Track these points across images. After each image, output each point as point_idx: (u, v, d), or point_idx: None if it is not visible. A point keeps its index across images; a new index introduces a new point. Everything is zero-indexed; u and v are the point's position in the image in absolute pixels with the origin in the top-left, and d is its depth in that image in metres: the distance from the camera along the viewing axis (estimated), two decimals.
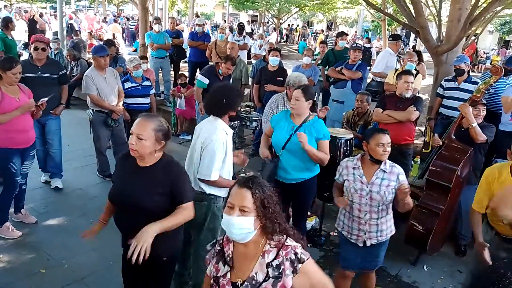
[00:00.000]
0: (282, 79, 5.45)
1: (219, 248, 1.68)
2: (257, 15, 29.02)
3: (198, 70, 7.58)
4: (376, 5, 9.92)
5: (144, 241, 1.91)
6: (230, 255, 1.62)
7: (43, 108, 3.64)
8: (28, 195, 4.23)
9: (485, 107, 3.79)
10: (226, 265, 1.61)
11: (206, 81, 4.90)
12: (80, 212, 4.14)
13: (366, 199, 2.62)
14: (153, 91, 5.32)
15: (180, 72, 7.56)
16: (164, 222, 2.03)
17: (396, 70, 5.52)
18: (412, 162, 4.28)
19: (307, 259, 1.54)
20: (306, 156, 3.08)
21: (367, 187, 2.61)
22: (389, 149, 2.61)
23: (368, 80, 6.50)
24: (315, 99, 3.33)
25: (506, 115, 4.45)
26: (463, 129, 3.57)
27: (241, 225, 1.51)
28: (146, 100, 5.18)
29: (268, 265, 1.51)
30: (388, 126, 3.80)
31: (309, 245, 3.83)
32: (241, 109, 5.53)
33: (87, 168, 5.13)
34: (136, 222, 2.09)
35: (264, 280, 1.51)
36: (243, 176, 2.73)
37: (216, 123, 2.71)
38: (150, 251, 1.92)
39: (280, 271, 1.50)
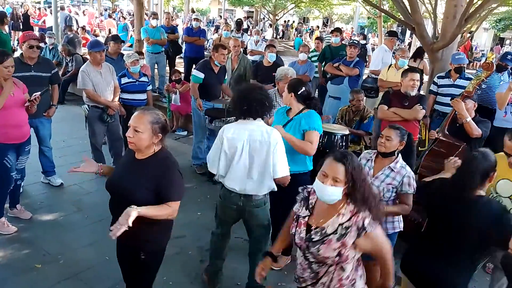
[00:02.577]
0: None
1: (306, 195, 2.06)
2: (253, 11, 28.91)
3: (193, 65, 7.56)
4: (372, 2, 9.92)
5: (123, 223, 1.97)
6: (313, 204, 2.00)
7: (37, 102, 3.59)
8: (24, 191, 4.23)
9: (467, 101, 3.71)
10: (307, 210, 2.00)
11: (201, 75, 4.87)
12: (76, 208, 4.13)
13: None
14: (150, 87, 5.30)
15: (174, 69, 7.55)
16: (147, 209, 2.06)
17: (390, 66, 5.54)
18: None
19: (372, 229, 1.84)
20: (290, 152, 3.06)
21: (371, 179, 2.68)
22: (388, 143, 2.67)
23: (364, 77, 6.53)
24: (313, 95, 3.32)
25: (500, 112, 4.49)
26: (458, 124, 3.59)
27: (332, 193, 1.83)
28: (143, 96, 5.15)
29: (340, 224, 1.86)
30: (393, 123, 3.81)
31: None
32: None
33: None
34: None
35: (332, 234, 1.86)
36: None
37: (263, 124, 2.73)
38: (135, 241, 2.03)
39: (347, 232, 1.84)
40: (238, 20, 9.44)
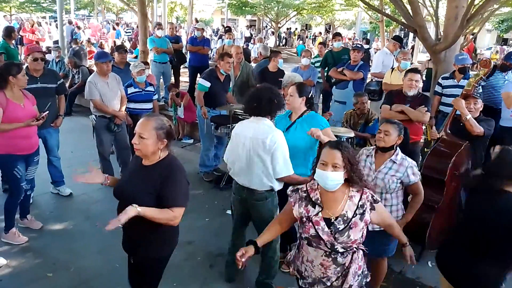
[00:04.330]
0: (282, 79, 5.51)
1: (304, 194, 2.10)
2: (255, 20, 29.14)
3: (198, 74, 7.65)
4: (374, 6, 9.97)
5: (119, 219, 1.96)
6: (319, 199, 2.05)
7: (45, 119, 3.67)
8: (34, 201, 4.29)
9: (478, 100, 3.73)
10: (316, 206, 2.04)
11: (207, 84, 4.92)
12: (84, 216, 4.18)
13: (371, 185, 2.71)
14: (155, 97, 5.36)
15: (169, 84, 7.66)
16: (147, 210, 2.05)
17: (392, 69, 5.57)
18: None
19: (379, 201, 2.08)
20: (294, 154, 3.06)
21: (374, 173, 2.74)
22: (386, 138, 2.72)
23: (367, 80, 6.55)
24: (316, 101, 3.35)
25: (506, 111, 4.48)
26: (461, 123, 3.59)
27: (334, 178, 1.95)
28: (149, 105, 5.21)
29: (356, 205, 1.99)
30: None
31: None
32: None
33: None
34: (131, 218, 2.12)
35: (353, 216, 1.98)
36: None
37: (268, 123, 2.80)
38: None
39: (364, 209, 1.99)
40: (227, 28, 9.64)
